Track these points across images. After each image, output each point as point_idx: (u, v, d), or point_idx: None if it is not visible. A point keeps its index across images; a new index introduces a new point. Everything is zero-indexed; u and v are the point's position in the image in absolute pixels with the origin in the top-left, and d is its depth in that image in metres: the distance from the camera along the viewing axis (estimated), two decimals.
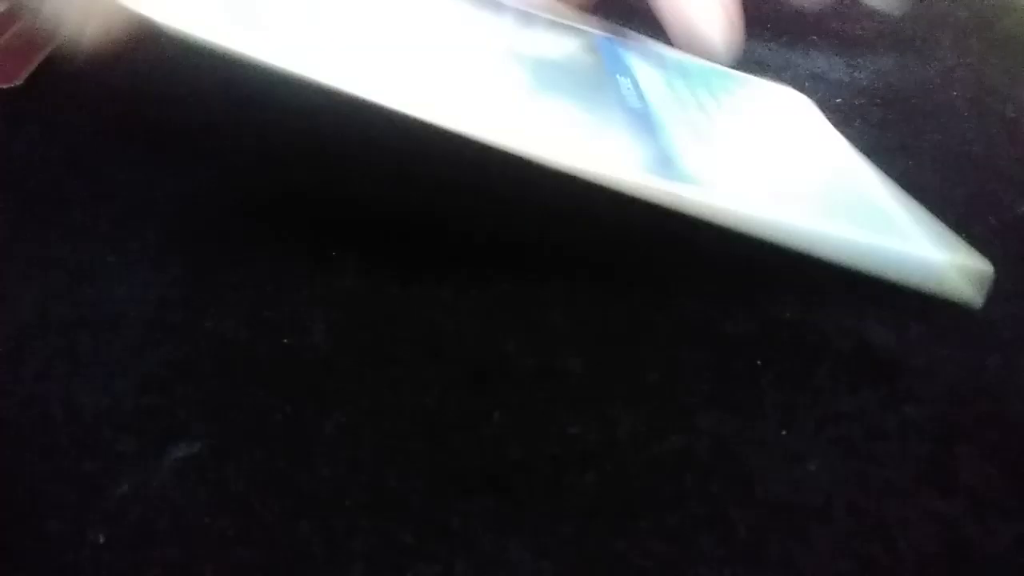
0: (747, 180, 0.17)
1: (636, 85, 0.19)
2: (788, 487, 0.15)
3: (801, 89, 0.22)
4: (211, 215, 0.19)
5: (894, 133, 0.19)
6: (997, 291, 0.16)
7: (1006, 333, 0.15)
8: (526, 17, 0.20)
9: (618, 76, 0.19)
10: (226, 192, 0.20)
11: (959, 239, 0.16)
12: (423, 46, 0.18)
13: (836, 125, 0.20)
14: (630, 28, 0.21)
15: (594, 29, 0.22)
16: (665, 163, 0.16)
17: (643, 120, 0.18)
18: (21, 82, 0.24)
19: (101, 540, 0.13)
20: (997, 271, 0.17)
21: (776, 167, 0.18)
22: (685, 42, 0.21)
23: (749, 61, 0.22)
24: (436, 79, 0.17)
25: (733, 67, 0.21)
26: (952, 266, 0.15)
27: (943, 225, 0.16)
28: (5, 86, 0.23)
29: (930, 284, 0.15)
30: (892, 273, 0.15)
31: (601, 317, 0.17)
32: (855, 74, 0.25)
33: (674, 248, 0.17)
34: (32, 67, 0.24)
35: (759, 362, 0.16)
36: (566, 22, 0.21)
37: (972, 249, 0.15)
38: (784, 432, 0.15)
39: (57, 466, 0.14)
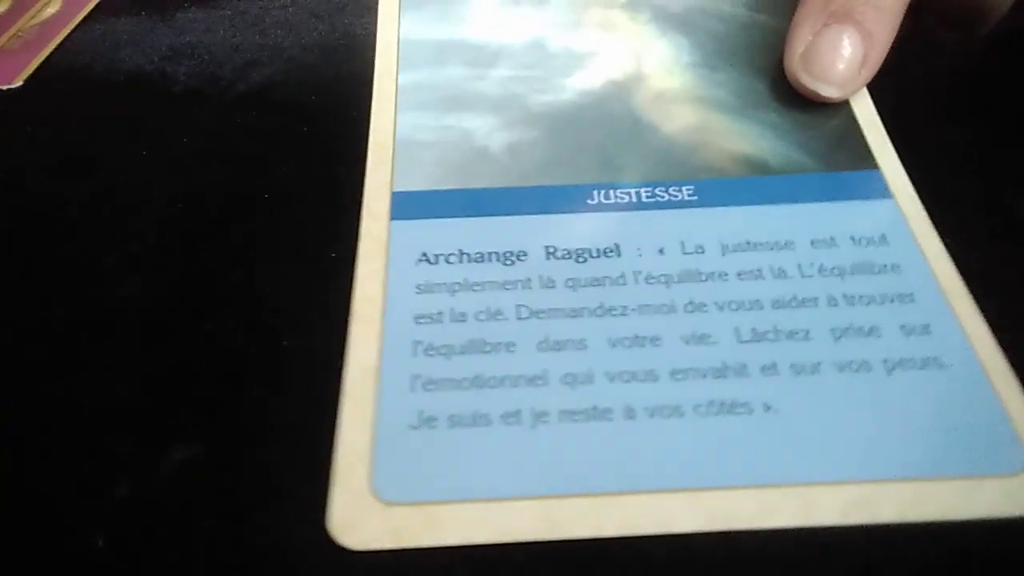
0: None
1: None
2: None
3: None
4: (211, 215, 0.19)
5: (894, 132, 0.19)
6: (993, 300, 0.15)
7: (1002, 345, 0.15)
8: None
9: None
10: (225, 192, 0.20)
11: None
12: None
13: None
14: None
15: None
16: None
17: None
18: (20, 84, 0.24)
19: (100, 544, 0.13)
20: (997, 271, 0.17)
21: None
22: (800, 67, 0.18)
23: None
24: None
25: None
26: None
27: None
28: (4, 87, 0.23)
29: None
30: None
31: None
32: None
33: None
34: (30, 69, 0.24)
35: None
36: None
37: None
38: None
39: (56, 468, 0.14)
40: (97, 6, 0.26)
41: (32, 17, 0.26)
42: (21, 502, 0.14)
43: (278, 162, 0.20)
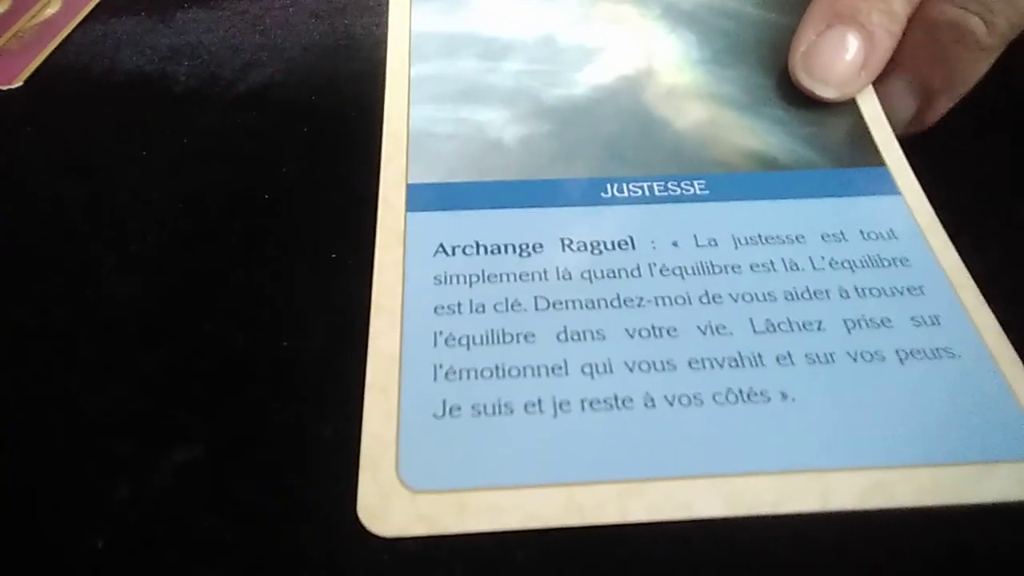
0: None
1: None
2: None
3: None
4: (211, 216, 0.19)
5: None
6: (998, 293, 0.16)
7: (1009, 336, 0.15)
8: None
9: None
10: (225, 193, 0.19)
11: None
12: None
13: None
14: None
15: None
16: None
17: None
18: (20, 84, 0.23)
19: (100, 545, 0.13)
20: (1002, 264, 0.17)
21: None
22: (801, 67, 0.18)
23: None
24: None
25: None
26: None
27: None
28: (4, 88, 0.23)
29: None
30: None
31: None
32: None
33: None
34: (30, 69, 0.24)
35: None
36: None
37: None
38: None
39: (56, 470, 0.14)
40: (97, 6, 0.26)
41: (32, 17, 0.26)
42: (34, 503, 0.14)
43: (279, 162, 0.20)
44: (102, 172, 0.20)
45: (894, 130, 0.18)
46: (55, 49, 0.24)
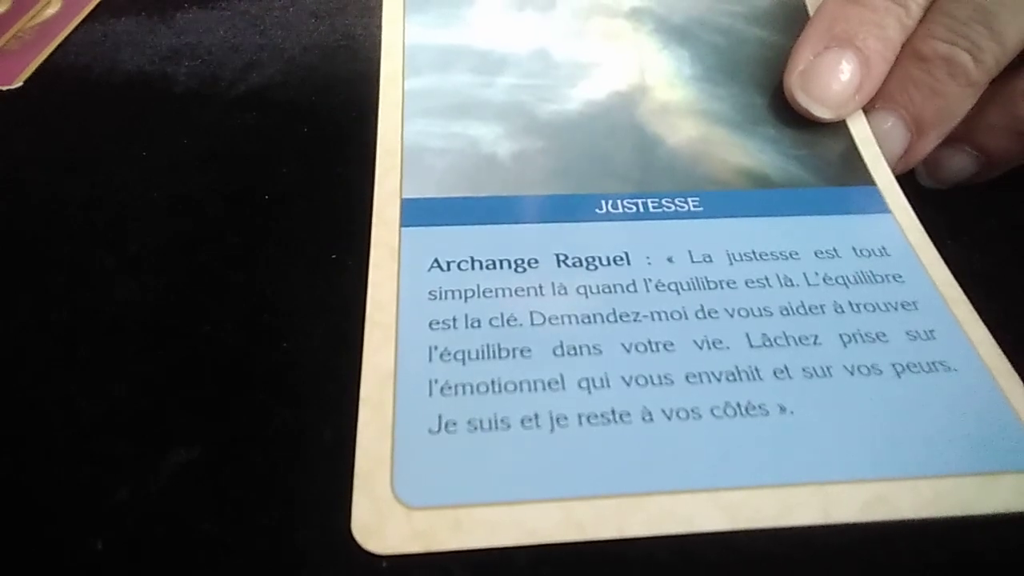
0: None
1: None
2: None
3: None
4: (210, 217, 0.19)
5: None
6: (998, 293, 0.15)
7: (1008, 336, 0.15)
8: None
9: None
10: (225, 193, 0.19)
11: None
12: None
13: None
14: None
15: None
16: None
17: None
18: (20, 84, 0.23)
19: (99, 547, 0.13)
20: (998, 273, 0.17)
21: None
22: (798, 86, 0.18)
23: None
24: None
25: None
26: None
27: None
28: (4, 88, 0.23)
29: None
30: None
31: None
32: None
33: None
34: (31, 69, 0.24)
35: None
36: None
37: None
38: None
39: (55, 471, 0.14)
40: (97, 6, 0.26)
41: (32, 18, 0.26)
42: (32, 504, 0.13)
43: (278, 163, 0.20)
44: (102, 172, 0.20)
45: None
46: (55, 49, 0.24)
